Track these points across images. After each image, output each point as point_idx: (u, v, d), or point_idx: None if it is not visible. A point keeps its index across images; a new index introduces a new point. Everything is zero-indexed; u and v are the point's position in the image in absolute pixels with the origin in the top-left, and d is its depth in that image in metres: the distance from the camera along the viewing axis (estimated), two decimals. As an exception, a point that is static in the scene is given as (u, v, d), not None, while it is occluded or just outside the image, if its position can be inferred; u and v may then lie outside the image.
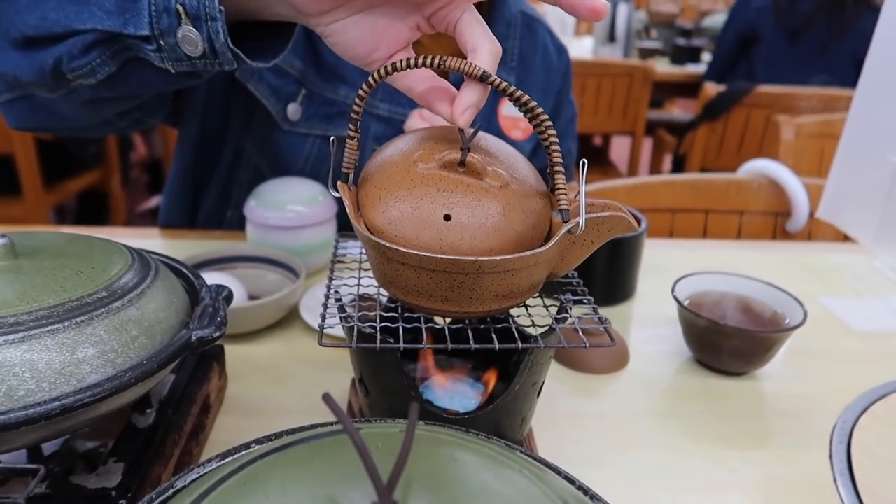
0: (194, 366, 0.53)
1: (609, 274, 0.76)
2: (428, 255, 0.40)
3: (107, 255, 0.45)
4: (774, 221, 1.13)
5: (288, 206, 0.76)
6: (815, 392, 0.64)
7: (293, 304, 0.69)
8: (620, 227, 0.46)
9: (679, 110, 3.52)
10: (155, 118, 0.77)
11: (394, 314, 0.46)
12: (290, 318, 0.71)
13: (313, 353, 0.66)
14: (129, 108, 0.67)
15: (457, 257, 0.40)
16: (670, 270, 0.66)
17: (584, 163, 0.43)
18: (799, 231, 1.11)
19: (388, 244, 0.41)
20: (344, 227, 0.83)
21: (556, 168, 0.44)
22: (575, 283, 0.51)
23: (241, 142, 0.87)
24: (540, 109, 0.44)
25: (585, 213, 0.44)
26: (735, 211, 1.13)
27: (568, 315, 0.46)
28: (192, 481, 0.30)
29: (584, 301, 0.48)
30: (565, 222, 0.43)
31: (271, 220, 0.76)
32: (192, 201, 0.92)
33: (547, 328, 0.46)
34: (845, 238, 1.04)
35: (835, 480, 0.53)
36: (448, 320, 0.52)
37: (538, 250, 0.42)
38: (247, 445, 0.33)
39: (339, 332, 0.66)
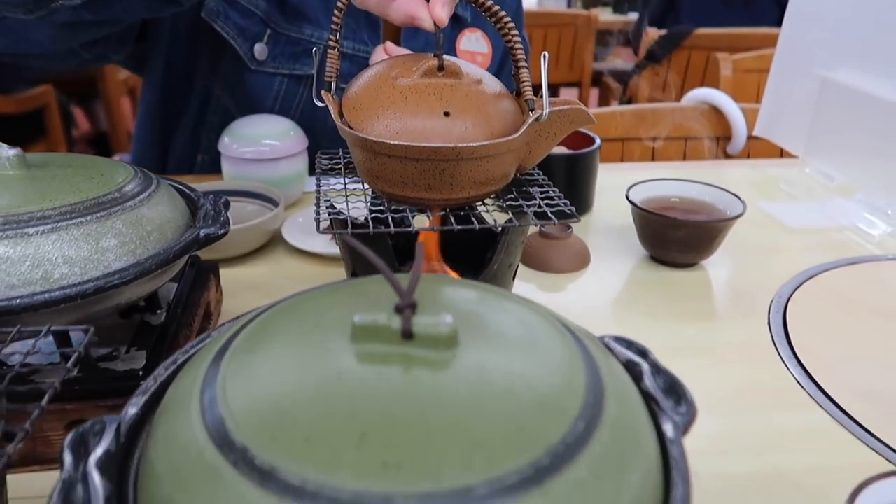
0: (194, 277, 0.57)
1: (568, 189, 0.82)
2: (413, 144, 0.45)
3: (110, 167, 0.48)
4: (716, 145, 1.21)
5: (262, 140, 0.79)
6: (755, 277, 0.71)
7: (276, 228, 0.73)
8: (580, 119, 0.52)
9: (621, 61, 3.60)
10: (118, 55, 0.79)
11: (381, 207, 0.51)
12: (274, 242, 0.75)
13: (300, 271, 0.70)
14: (97, 39, 0.69)
15: (438, 144, 0.45)
16: (623, 188, 0.72)
17: (545, 55, 0.48)
18: (738, 153, 1.19)
19: (375, 139, 0.46)
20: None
21: (521, 64, 0.49)
22: (541, 180, 0.57)
23: (209, 84, 0.89)
24: (503, 13, 0.49)
25: (549, 106, 0.49)
26: (680, 137, 1.20)
27: (536, 200, 0.52)
28: (211, 338, 0.34)
29: (550, 191, 0.54)
30: (531, 111, 0.48)
31: (247, 154, 0.79)
32: (161, 147, 0.94)
33: (519, 211, 0.51)
34: (781, 155, 1.12)
35: (773, 341, 0.60)
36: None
37: (510, 137, 0.47)
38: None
39: (319, 248, 0.71)
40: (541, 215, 0.50)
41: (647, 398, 0.32)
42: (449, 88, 0.48)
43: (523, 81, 0.49)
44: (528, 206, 0.51)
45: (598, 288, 0.69)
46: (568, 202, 0.51)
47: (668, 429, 0.30)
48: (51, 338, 0.45)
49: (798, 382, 0.54)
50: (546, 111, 0.48)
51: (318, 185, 0.51)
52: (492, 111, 0.48)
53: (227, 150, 0.80)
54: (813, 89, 0.90)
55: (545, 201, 0.52)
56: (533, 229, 0.74)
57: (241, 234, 0.69)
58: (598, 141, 0.83)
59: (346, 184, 0.55)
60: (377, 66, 0.51)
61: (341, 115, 0.50)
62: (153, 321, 0.50)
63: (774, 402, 0.53)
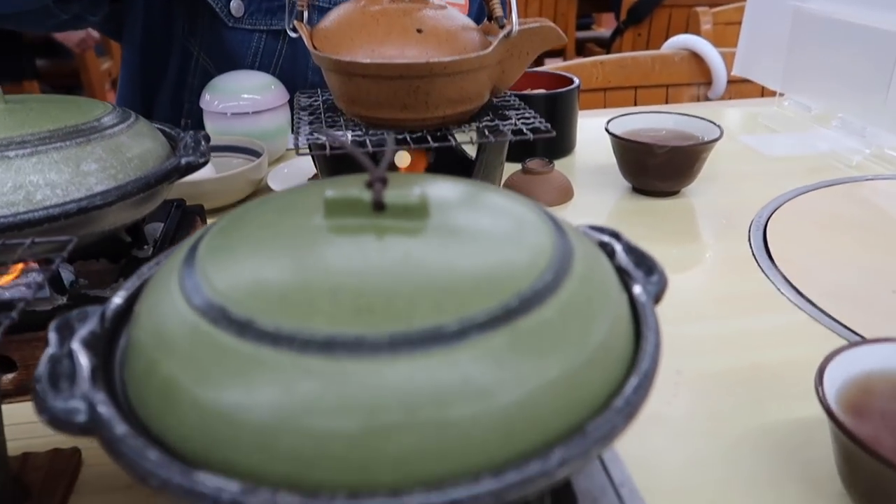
0: (179, 218, 0.58)
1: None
2: (385, 62, 0.46)
3: (88, 102, 0.48)
4: (697, 92, 1.22)
5: (243, 95, 0.79)
6: (737, 202, 0.72)
7: (260, 178, 0.74)
8: (551, 38, 0.53)
9: (605, 29, 3.59)
10: (94, 16, 0.79)
11: (360, 132, 0.52)
12: (259, 194, 0.75)
13: (286, 218, 0.71)
14: None
15: (411, 61, 0.46)
16: (603, 136, 0.72)
17: (513, -31, 0.48)
18: (719, 98, 1.20)
19: (348, 59, 0.47)
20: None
21: (490, -17, 0.49)
22: (517, 104, 0.57)
23: (187, 45, 0.89)
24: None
25: (518, 24, 0.50)
26: (661, 85, 1.21)
27: (512, 120, 0.53)
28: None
29: (526, 113, 0.55)
30: (501, 28, 0.49)
31: (228, 109, 0.79)
32: (144, 112, 0.94)
33: (495, 130, 0.52)
34: (762, 95, 1.13)
35: (753, 255, 0.61)
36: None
37: (482, 52, 0.48)
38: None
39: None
40: (517, 132, 0.50)
41: (620, 272, 0.33)
42: (419, 11, 0.48)
43: (493, 2, 0.49)
44: (504, 125, 0.52)
45: (582, 220, 0.69)
46: (543, 120, 0.52)
47: (638, 291, 0.31)
48: (39, 276, 0.46)
49: (777, 289, 0.56)
50: (515, 27, 0.49)
51: (296, 112, 0.52)
52: (462, 33, 0.49)
53: (209, 106, 0.80)
54: (787, 20, 0.91)
55: (521, 121, 0.52)
56: (516, 167, 0.75)
57: (225, 182, 0.69)
58: (577, 81, 0.83)
59: (323, 111, 0.55)
60: (341, 6, 0.52)
61: (314, 47, 0.50)
62: (140, 255, 0.51)
63: (754, 306, 0.54)
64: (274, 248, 0.28)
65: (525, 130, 0.50)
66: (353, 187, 0.29)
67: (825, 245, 0.63)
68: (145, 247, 0.52)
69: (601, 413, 0.24)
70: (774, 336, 0.50)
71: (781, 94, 0.95)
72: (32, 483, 0.37)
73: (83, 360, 0.27)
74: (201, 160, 0.48)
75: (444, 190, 0.32)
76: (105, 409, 0.25)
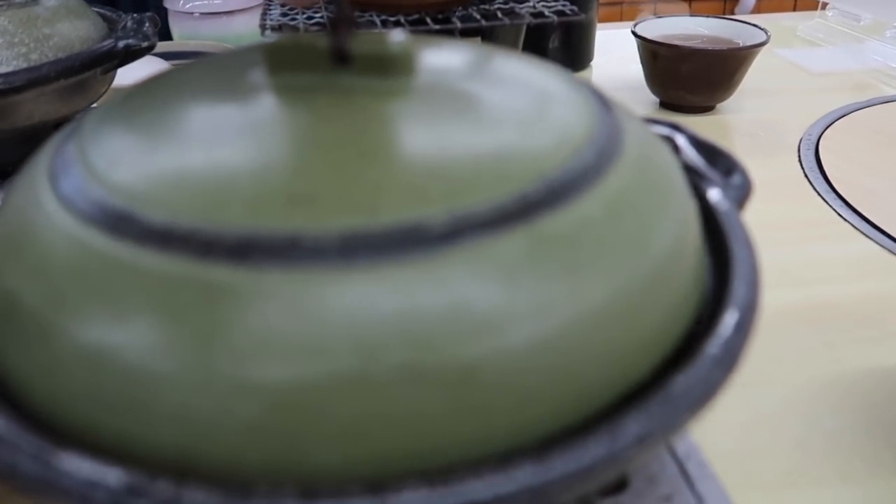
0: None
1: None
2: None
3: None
4: (723, 7, 1.10)
5: (212, -9, 0.69)
6: (780, 118, 0.63)
7: (233, 86, 0.64)
8: None
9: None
10: None
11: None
12: (231, 104, 0.65)
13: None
14: None
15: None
16: (625, 43, 0.62)
17: None
18: (748, 13, 1.08)
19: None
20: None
21: None
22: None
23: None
24: None
25: None
26: (684, -1, 1.09)
27: (530, 2, 0.43)
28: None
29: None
30: None
31: (197, 9, 0.69)
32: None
33: (510, 12, 0.42)
34: (795, 9, 1.02)
35: (806, 176, 0.52)
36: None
37: None
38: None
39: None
40: (537, 14, 0.41)
41: (689, 172, 0.25)
42: None
43: None
44: (521, 7, 0.42)
45: (603, 136, 0.61)
46: (569, 3, 0.42)
47: (717, 196, 0.23)
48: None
49: (839, 214, 0.47)
50: None
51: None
52: None
53: (174, 6, 0.70)
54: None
55: (541, 3, 0.43)
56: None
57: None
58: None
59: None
60: None
61: None
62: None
63: (814, 234, 0.45)
64: (186, 115, 0.19)
65: (547, 13, 0.41)
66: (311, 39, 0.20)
67: (887, 166, 0.54)
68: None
69: (688, 364, 0.16)
70: (840, 267, 0.42)
71: (825, 5, 0.85)
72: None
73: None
74: (143, 43, 0.38)
75: (438, 46, 0.23)
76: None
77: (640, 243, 0.16)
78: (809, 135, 0.59)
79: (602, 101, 0.21)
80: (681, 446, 0.24)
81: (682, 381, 0.15)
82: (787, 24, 0.91)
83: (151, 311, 0.14)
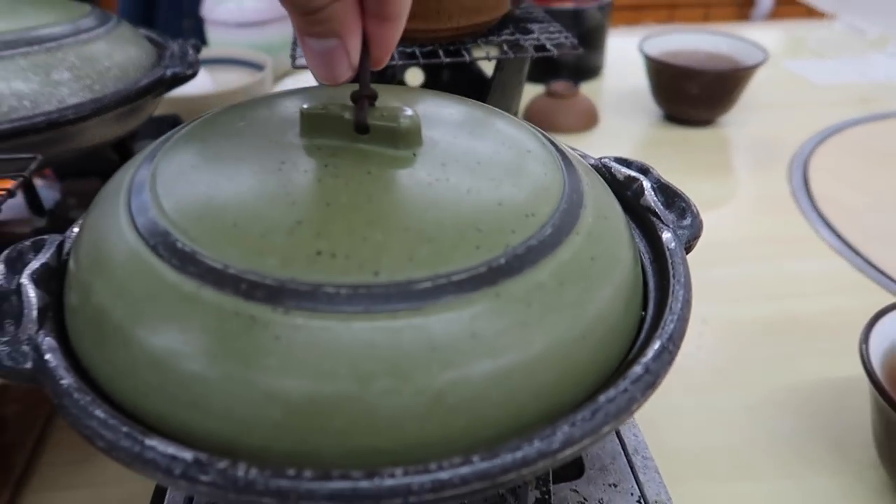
0: (173, 135, 0.54)
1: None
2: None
3: (64, 2, 0.44)
4: (738, 12, 1.12)
5: (247, 3, 0.74)
6: (776, 133, 0.66)
7: (263, 94, 0.69)
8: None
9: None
10: None
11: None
12: (262, 110, 0.71)
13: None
14: None
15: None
16: (636, 58, 0.66)
17: None
18: (763, 19, 1.11)
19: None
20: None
21: None
22: (542, 16, 0.51)
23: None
24: None
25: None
26: (700, 4, 1.12)
27: (535, 34, 0.47)
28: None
29: (550, 27, 0.49)
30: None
31: (231, 17, 0.74)
32: (144, 14, 0.89)
33: (515, 44, 0.46)
34: (809, 15, 1.04)
35: (792, 193, 0.56)
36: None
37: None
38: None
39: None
40: (539, 48, 0.45)
41: (647, 213, 0.29)
42: None
43: None
44: (526, 40, 0.46)
45: (608, 147, 0.65)
46: (570, 35, 0.46)
47: (668, 237, 0.27)
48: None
49: (816, 231, 0.51)
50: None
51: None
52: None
53: (210, 14, 0.75)
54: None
55: (545, 36, 0.47)
56: (539, 90, 0.69)
57: (224, 98, 0.65)
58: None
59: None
60: None
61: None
62: (127, 175, 0.47)
63: (790, 250, 0.49)
64: (237, 166, 0.23)
65: (549, 46, 0.45)
66: (339, 101, 0.25)
67: (874, 185, 0.57)
68: (133, 166, 0.48)
69: (612, 386, 0.21)
70: (811, 284, 0.46)
71: (832, 16, 0.87)
72: (8, 416, 0.36)
73: (32, 297, 0.24)
74: (188, 71, 0.43)
75: (441, 112, 0.27)
76: (51, 356, 0.22)
77: (579, 305, 0.21)
78: (802, 151, 0.62)
79: (572, 173, 0.25)
80: (631, 443, 0.28)
81: (605, 398, 0.20)
82: (797, 33, 0.93)
83: (207, 334, 0.19)
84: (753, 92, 0.70)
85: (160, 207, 0.22)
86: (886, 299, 0.43)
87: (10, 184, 0.30)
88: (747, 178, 0.60)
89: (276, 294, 0.19)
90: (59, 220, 0.42)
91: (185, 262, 0.20)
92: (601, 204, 0.25)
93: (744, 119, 0.69)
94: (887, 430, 0.30)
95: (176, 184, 0.22)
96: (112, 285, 0.21)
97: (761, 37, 0.92)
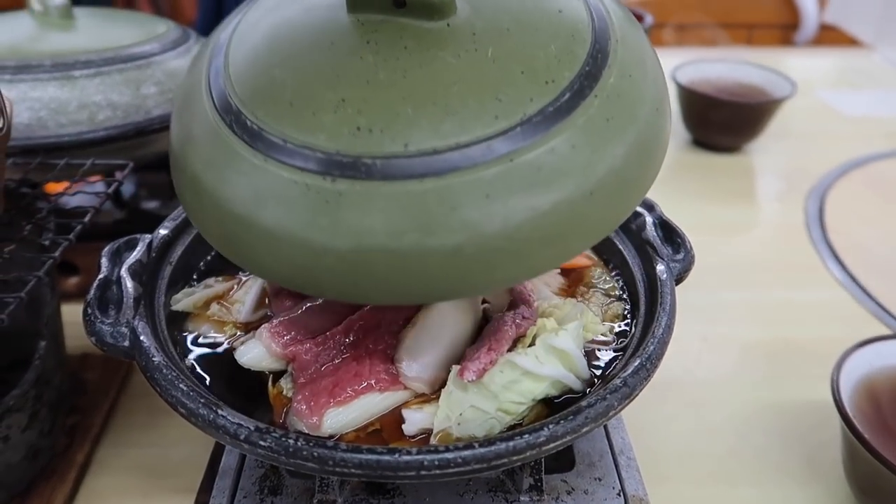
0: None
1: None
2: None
3: (150, 20, 0.50)
4: (782, 35, 1.14)
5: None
6: (800, 164, 0.69)
7: None
8: None
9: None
10: None
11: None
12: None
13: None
14: None
15: None
16: (670, 81, 0.69)
17: None
18: (807, 43, 1.12)
19: None
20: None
21: None
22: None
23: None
24: None
25: None
26: (744, 25, 1.14)
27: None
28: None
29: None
30: None
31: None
32: (216, 7, 0.95)
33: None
34: (852, 43, 1.05)
35: (806, 223, 0.59)
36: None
37: None
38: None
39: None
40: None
41: (647, 245, 0.34)
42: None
43: None
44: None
45: (634, 168, 0.69)
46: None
47: (661, 269, 0.32)
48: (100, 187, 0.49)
49: (823, 262, 0.54)
50: None
51: None
52: None
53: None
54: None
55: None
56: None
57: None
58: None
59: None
60: None
61: None
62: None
63: (796, 279, 0.53)
64: (293, 45, 0.26)
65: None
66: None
67: (887, 220, 0.60)
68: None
69: (593, 394, 0.25)
70: (811, 312, 0.49)
71: (872, 47, 0.89)
72: (89, 381, 0.42)
73: (130, 287, 0.30)
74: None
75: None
76: (145, 338, 0.28)
77: (589, 166, 0.23)
78: (821, 183, 0.65)
79: (601, 26, 0.26)
80: (618, 444, 0.33)
81: (586, 404, 0.24)
82: (835, 62, 0.95)
83: (274, 199, 0.23)
84: (783, 120, 0.73)
85: (233, 90, 0.26)
86: (881, 331, 0.47)
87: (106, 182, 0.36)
88: (767, 205, 0.63)
89: (324, 165, 0.23)
90: (134, 212, 0.48)
91: (254, 137, 0.24)
92: (627, 61, 0.26)
93: (771, 147, 0.72)
94: (850, 451, 0.34)
95: (244, 68, 0.26)
96: (201, 157, 0.26)
97: (799, 64, 0.94)
